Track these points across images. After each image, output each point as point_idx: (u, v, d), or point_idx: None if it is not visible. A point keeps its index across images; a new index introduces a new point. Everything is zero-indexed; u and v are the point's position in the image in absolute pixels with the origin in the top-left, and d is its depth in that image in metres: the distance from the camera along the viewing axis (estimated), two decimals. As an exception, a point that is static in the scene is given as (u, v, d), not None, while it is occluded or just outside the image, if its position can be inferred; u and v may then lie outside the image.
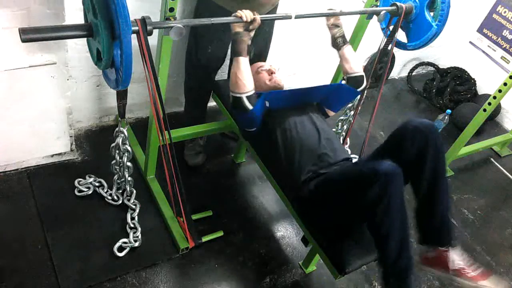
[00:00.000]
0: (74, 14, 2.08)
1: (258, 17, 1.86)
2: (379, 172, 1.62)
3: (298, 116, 2.18)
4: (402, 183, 1.67)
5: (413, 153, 1.85)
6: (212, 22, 1.76)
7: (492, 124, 4.21)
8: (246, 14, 1.84)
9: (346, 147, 2.94)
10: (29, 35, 1.32)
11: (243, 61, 1.99)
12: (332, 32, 2.25)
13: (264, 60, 2.66)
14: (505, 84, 2.90)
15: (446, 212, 1.86)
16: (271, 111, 2.17)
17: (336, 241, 1.97)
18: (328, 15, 2.20)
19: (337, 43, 2.26)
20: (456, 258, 1.81)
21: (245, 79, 2.01)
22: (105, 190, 2.38)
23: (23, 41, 1.31)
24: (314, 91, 2.30)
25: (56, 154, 2.48)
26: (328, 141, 2.12)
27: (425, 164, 1.85)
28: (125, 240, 2.20)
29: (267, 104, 2.15)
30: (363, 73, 2.34)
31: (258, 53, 2.58)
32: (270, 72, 2.34)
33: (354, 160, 2.25)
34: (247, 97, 2.03)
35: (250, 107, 2.04)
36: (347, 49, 2.29)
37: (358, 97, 2.65)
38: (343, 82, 2.39)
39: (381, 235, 1.69)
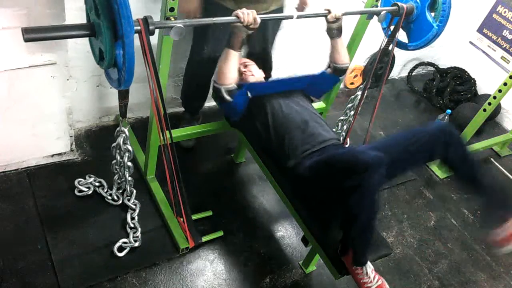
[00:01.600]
0: (74, 14, 2.08)
1: (258, 18, 1.87)
2: (364, 162, 1.72)
3: (283, 99, 2.25)
4: (383, 177, 1.75)
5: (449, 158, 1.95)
6: (214, 22, 1.76)
7: (492, 124, 4.21)
8: (247, 18, 1.84)
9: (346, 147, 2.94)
10: (31, 34, 1.31)
11: (232, 55, 2.07)
12: (330, 24, 2.24)
13: (267, 62, 2.70)
14: (505, 84, 2.91)
15: (496, 183, 2.00)
16: (256, 97, 2.24)
17: (327, 222, 2.05)
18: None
19: (332, 33, 2.29)
20: None
21: (228, 72, 2.12)
22: (105, 190, 2.38)
23: (26, 40, 1.31)
24: (295, 80, 2.40)
25: (56, 154, 2.47)
26: (315, 121, 2.19)
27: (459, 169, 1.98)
28: (125, 240, 2.19)
29: (249, 94, 2.22)
30: (347, 65, 2.43)
31: (259, 54, 2.59)
32: (245, 65, 2.41)
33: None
34: (226, 90, 2.16)
35: (228, 99, 2.17)
36: (339, 42, 2.33)
37: (359, 97, 2.65)
38: (328, 70, 2.45)
39: (350, 215, 1.82)
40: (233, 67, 2.13)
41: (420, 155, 1.98)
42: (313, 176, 2.02)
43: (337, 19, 2.18)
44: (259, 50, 2.61)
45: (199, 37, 2.46)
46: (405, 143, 1.98)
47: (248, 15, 1.84)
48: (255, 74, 2.37)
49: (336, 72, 2.44)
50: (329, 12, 2.12)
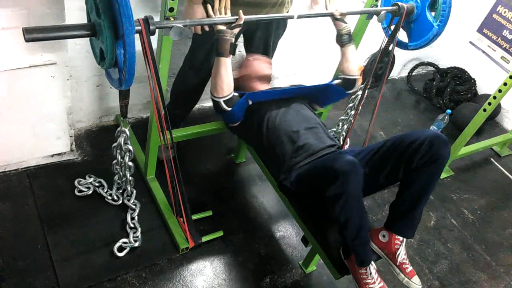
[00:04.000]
0: (74, 14, 2.08)
1: (242, 14, 1.80)
2: (337, 170, 1.71)
3: (281, 107, 2.23)
4: (361, 178, 1.75)
5: (421, 162, 1.86)
6: (215, 22, 1.76)
7: (492, 124, 4.21)
8: (218, 7, 1.81)
9: (346, 147, 2.94)
10: (33, 34, 1.31)
11: (224, 63, 1.97)
12: (338, 27, 2.24)
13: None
14: (505, 84, 2.90)
15: (420, 213, 1.96)
16: (255, 104, 2.22)
17: (325, 222, 2.06)
18: (330, 15, 2.21)
19: (342, 40, 2.26)
20: (403, 251, 1.94)
21: (224, 83, 2.03)
22: (105, 190, 2.38)
23: (27, 40, 1.30)
24: (298, 91, 2.36)
25: (56, 154, 2.47)
26: (311, 130, 2.17)
27: (427, 172, 1.88)
28: (125, 240, 2.19)
29: (250, 102, 2.20)
30: (358, 77, 2.39)
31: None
32: (266, 61, 2.42)
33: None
34: (225, 101, 2.08)
35: (228, 109, 2.10)
36: (351, 49, 2.31)
37: (359, 97, 2.65)
38: (336, 81, 2.41)
39: (340, 221, 1.81)
40: (228, 76, 2.03)
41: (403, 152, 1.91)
42: (299, 189, 2.03)
43: (345, 22, 2.19)
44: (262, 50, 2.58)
45: (197, 48, 2.40)
46: (392, 144, 1.95)
47: (218, 3, 1.80)
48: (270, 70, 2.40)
49: (345, 84, 2.38)
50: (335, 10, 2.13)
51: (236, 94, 2.15)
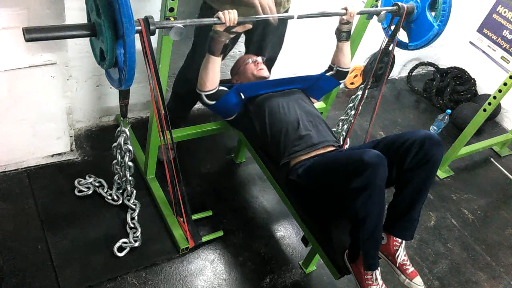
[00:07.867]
0: (74, 14, 2.08)
1: (249, 26, 1.82)
2: (366, 162, 1.68)
3: (282, 99, 2.25)
4: (386, 172, 1.73)
5: (413, 163, 1.85)
6: (215, 22, 1.75)
7: (492, 124, 4.22)
8: (229, 18, 1.77)
9: (346, 147, 2.94)
10: (33, 34, 1.31)
11: (213, 61, 2.01)
12: (341, 26, 2.29)
13: (272, 65, 2.68)
14: (505, 84, 2.90)
15: (418, 214, 1.94)
16: (253, 98, 2.24)
17: (325, 222, 2.04)
18: (330, 15, 2.21)
19: (341, 36, 2.33)
20: (402, 252, 1.93)
21: (207, 79, 2.08)
22: (105, 190, 2.38)
23: (27, 40, 1.30)
24: (290, 81, 2.39)
25: (56, 154, 2.47)
26: (312, 122, 2.19)
27: (420, 173, 1.87)
28: (125, 240, 2.19)
29: (242, 96, 2.22)
30: (349, 69, 2.47)
31: (269, 59, 2.58)
32: (257, 63, 2.40)
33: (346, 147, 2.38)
34: (207, 95, 2.13)
35: (210, 103, 2.15)
36: (346, 45, 2.38)
37: (359, 97, 2.65)
38: (330, 73, 2.47)
39: (359, 217, 1.75)
40: (214, 73, 2.06)
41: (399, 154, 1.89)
42: (311, 184, 2.01)
43: (349, 22, 2.22)
44: (271, 54, 2.58)
45: (200, 46, 2.38)
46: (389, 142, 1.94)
47: (229, 14, 1.76)
48: (266, 73, 2.38)
49: (338, 75, 2.46)
50: (346, 10, 2.15)
51: (223, 88, 2.18)
